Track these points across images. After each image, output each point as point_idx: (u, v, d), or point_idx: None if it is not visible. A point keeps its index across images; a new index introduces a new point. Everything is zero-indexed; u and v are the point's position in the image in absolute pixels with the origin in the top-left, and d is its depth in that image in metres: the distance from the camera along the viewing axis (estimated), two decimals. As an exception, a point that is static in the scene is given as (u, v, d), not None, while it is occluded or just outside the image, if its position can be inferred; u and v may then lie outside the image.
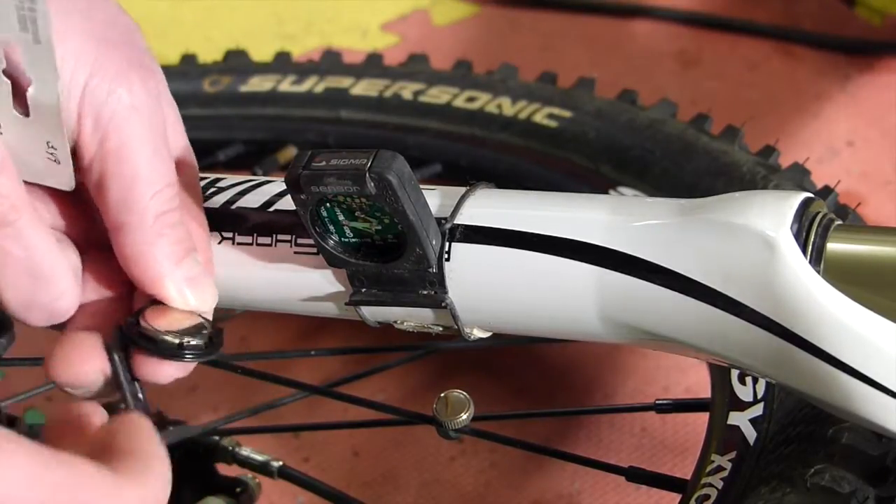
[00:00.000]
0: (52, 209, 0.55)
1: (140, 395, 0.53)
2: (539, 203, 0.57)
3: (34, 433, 0.55)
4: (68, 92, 0.51)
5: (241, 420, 0.76)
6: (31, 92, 0.50)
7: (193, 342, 0.53)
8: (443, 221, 0.56)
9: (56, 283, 0.52)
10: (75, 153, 0.53)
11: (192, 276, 0.54)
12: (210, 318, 0.55)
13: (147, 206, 0.52)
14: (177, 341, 0.52)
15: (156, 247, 0.53)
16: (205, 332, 0.54)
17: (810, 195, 0.52)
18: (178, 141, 0.58)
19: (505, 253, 0.55)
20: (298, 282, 0.59)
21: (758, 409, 0.62)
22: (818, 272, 0.50)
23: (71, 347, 0.52)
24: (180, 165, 0.57)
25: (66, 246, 0.54)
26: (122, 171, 0.52)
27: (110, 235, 0.53)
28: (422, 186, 0.54)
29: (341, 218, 0.55)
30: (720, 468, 0.61)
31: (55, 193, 0.55)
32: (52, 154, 0.52)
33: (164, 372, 0.53)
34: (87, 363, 0.52)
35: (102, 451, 0.46)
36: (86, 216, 0.56)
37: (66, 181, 0.53)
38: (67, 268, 0.53)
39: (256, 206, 0.60)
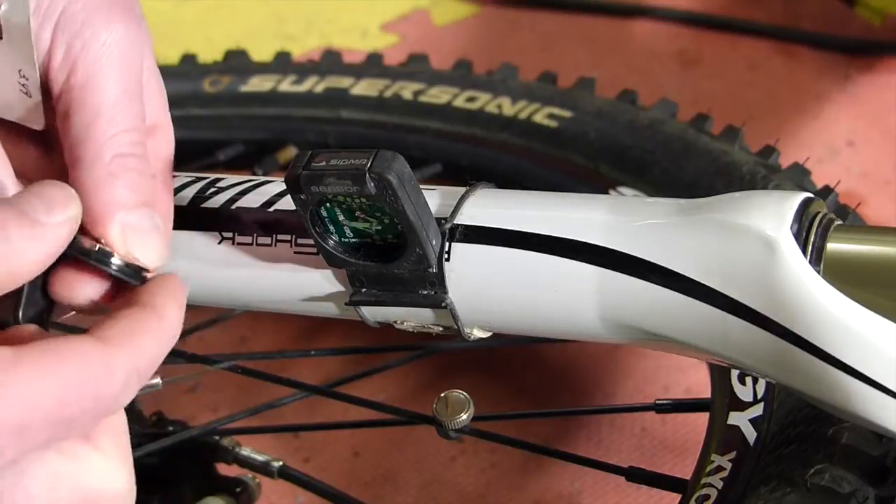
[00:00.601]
0: (20, 153, 0.53)
1: (43, 310, 0.50)
2: (539, 203, 0.57)
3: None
4: (44, 15, 0.50)
5: (241, 420, 0.76)
6: (3, 10, 0.49)
7: (112, 253, 0.50)
8: (443, 221, 0.56)
9: None
10: (46, 86, 0.51)
11: (142, 227, 0.51)
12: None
13: (105, 144, 0.50)
14: (97, 248, 0.50)
15: (109, 185, 0.50)
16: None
17: (810, 195, 0.52)
18: (158, 111, 0.56)
19: (505, 253, 0.55)
20: (298, 282, 0.59)
21: (758, 409, 0.62)
22: (818, 272, 0.50)
23: None
24: (155, 133, 0.55)
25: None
26: (86, 104, 0.50)
27: (69, 173, 0.51)
28: (422, 186, 0.54)
29: (341, 218, 0.55)
30: (720, 468, 0.61)
31: (25, 138, 0.54)
32: (23, 85, 0.51)
33: (80, 289, 0.50)
34: None
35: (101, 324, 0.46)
36: (53, 167, 0.54)
37: (36, 118, 0.52)
38: None
39: (256, 206, 0.60)
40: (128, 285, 0.51)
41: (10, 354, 0.43)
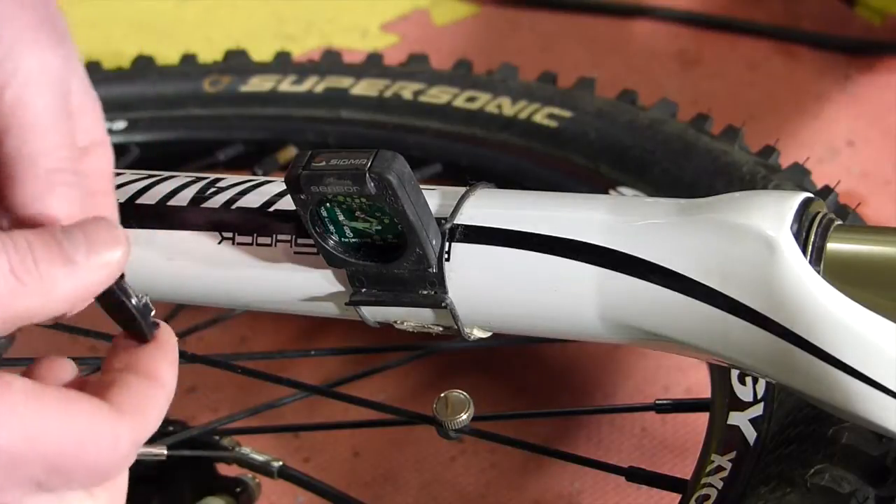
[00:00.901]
0: None
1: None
2: (539, 203, 0.57)
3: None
4: None
5: (241, 420, 0.76)
6: None
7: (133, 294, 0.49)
8: (443, 221, 0.56)
9: None
10: None
11: (91, 233, 0.49)
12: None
13: (38, 159, 0.50)
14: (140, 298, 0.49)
15: (50, 197, 0.50)
16: None
17: (810, 195, 0.52)
18: (95, 129, 0.56)
19: (505, 253, 0.55)
20: (298, 282, 0.59)
21: (758, 409, 0.62)
22: (818, 272, 0.50)
23: None
24: (94, 151, 0.55)
25: None
26: (17, 124, 0.50)
27: (3, 191, 0.51)
28: (422, 186, 0.54)
29: (341, 218, 0.55)
30: (720, 468, 0.61)
31: None
32: None
33: None
34: None
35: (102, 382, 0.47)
36: None
37: None
38: None
39: (256, 206, 0.60)
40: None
41: (31, 387, 0.44)
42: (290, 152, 0.91)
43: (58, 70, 0.52)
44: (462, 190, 0.58)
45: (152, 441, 0.73)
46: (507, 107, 0.87)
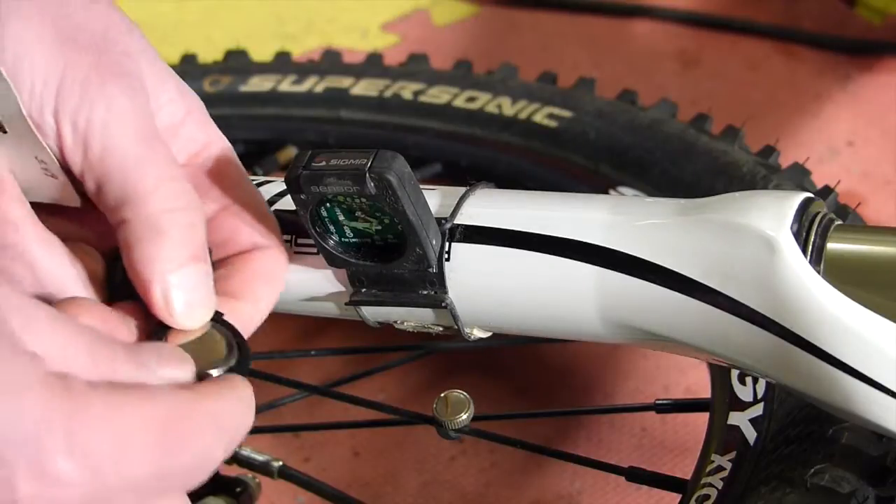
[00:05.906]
0: (68, 221, 0.54)
1: None
2: (539, 203, 0.57)
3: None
4: (41, 101, 0.50)
5: (241, 420, 0.76)
6: None
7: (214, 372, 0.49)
8: (443, 221, 0.56)
9: (64, 293, 0.50)
10: (67, 166, 0.51)
11: (190, 286, 0.50)
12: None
13: (146, 202, 0.50)
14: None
15: (152, 245, 0.50)
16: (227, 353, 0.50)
17: (810, 195, 0.52)
18: (199, 132, 0.56)
19: (505, 253, 0.55)
20: (298, 282, 0.59)
21: (758, 409, 0.62)
22: (818, 272, 0.50)
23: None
24: (204, 154, 0.56)
25: (79, 255, 0.52)
26: (112, 175, 0.50)
27: (123, 247, 0.51)
28: (422, 186, 0.54)
29: (341, 218, 0.55)
30: (720, 468, 0.61)
31: (67, 212, 0.54)
32: (45, 168, 0.51)
33: None
34: None
35: None
36: (104, 223, 0.53)
37: (69, 197, 0.52)
38: (75, 277, 0.51)
39: (256, 206, 0.60)
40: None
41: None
42: (290, 152, 0.91)
43: (131, 104, 0.51)
44: (462, 190, 0.58)
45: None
46: (507, 107, 0.87)
